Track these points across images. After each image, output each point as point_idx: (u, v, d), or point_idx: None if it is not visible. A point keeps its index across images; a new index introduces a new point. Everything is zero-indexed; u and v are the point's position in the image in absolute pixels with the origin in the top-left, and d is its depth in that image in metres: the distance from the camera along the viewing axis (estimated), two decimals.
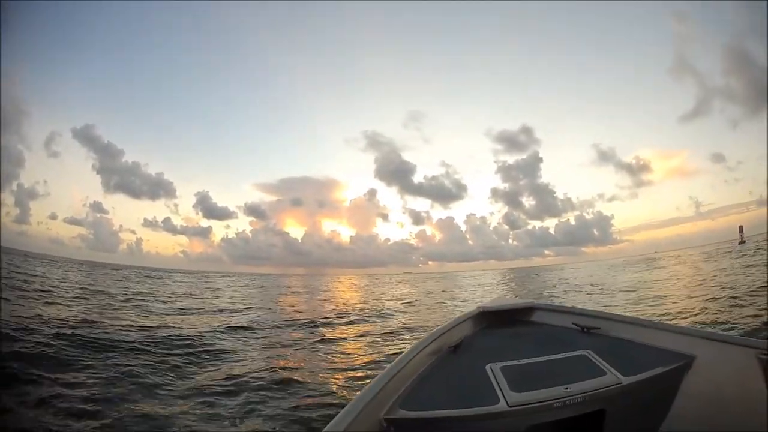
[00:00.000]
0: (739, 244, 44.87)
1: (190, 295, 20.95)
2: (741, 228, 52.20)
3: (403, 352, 2.52)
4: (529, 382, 2.08)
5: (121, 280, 28.78)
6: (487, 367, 2.28)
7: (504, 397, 1.97)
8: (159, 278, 38.75)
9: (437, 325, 3.21)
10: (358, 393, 1.97)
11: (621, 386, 2.05)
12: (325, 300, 21.49)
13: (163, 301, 16.43)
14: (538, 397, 1.95)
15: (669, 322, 3.02)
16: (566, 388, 1.98)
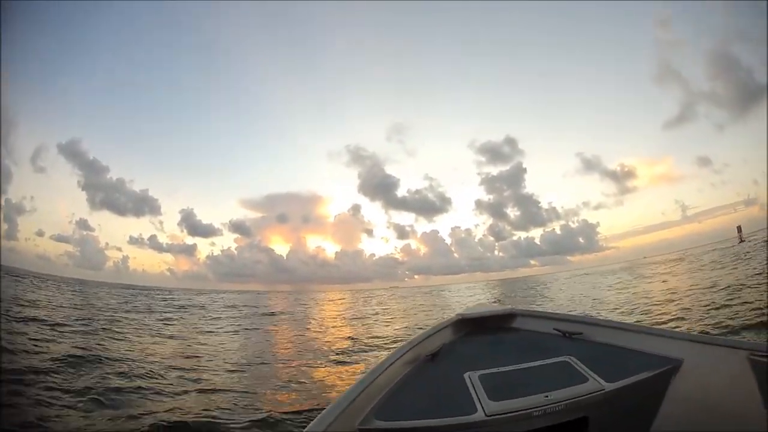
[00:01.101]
0: (739, 243, 45.03)
1: None
2: (739, 228, 53.86)
3: (379, 360, 2.43)
4: (507, 390, 2.01)
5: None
6: (466, 375, 2.22)
7: (482, 407, 1.91)
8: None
9: (415, 333, 3.14)
10: (332, 402, 1.89)
11: (604, 393, 1.98)
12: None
13: None
14: (516, 406, 1.88)
15: (655, 327, 2.94)
16: (546, 396, 1.91)
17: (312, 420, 1.70)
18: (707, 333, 5.89)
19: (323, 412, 1.80)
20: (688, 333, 2.80)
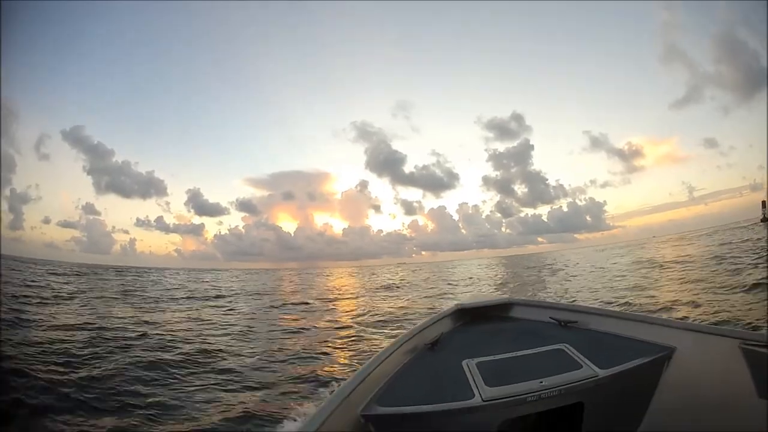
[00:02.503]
0: (762, 221, 42.86)
1: None
2: (764, 203, 45.44)
3: (381, 349, 2.53)
4: (503, 376, 2.10)
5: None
6: (464, 363, 2.32)
7: (479, 392, 2.01)
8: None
9: (415, 323, 3.23)
10: (335, 389, 1.99)
11: (597, 379, 2.06)
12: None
13: None
14: (512, 392, 1.97)
15: (648, 314, 3.00)
16: (541, 382, 2.00)
17: (315, 406, 1.79)
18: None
19: (327, 399, 1.89)
20: (681, 321, 2.87)
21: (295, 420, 3.97)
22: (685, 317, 6.85)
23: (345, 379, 2.17)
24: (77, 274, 32.51)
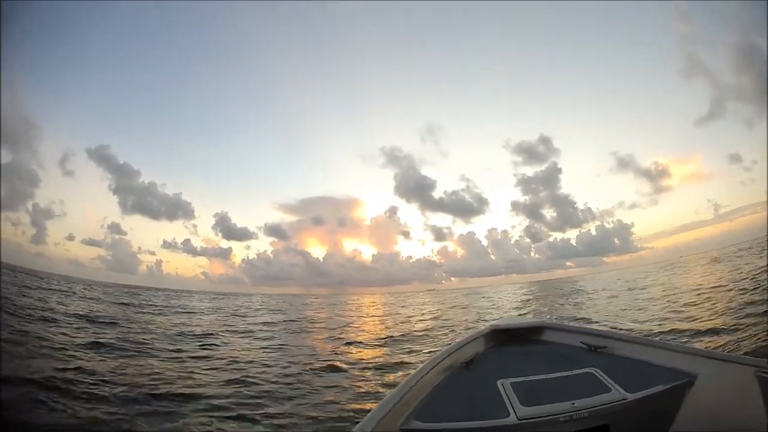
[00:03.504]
0: None
1: None
2: None
3: (419, 366, 2.68)
4: (537, 397, 2.21)
5: None
6: (498, 382, 2.43)
7: (514, 411, 2.12)
8: None
9: (451, 342, 3.38)
10: (376, 405, 2.11)
11: (625, 402, 2.16)
12: None
13: None
14: (546, 412, 2.08)
15: (674, 342, 3.12)
16: (573, 404, 2.11)
17: (359, 420, 1.94)
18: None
19: (369, 413, 2.03)
20: (704, 349, 2.93)
21: None
22: (708, 346, 6.62)
23: (385, 395, 2.27)
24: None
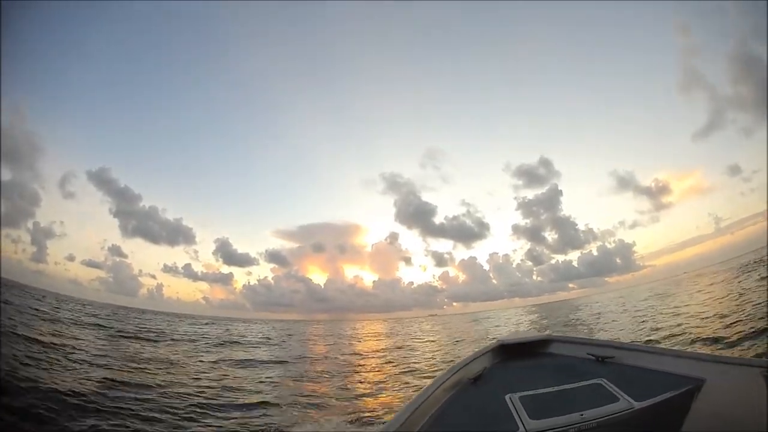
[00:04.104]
0: None
1: None
2: None
3: (426, 384, 2.70)
4: (546, 410, 2.22)
5: None
6: (507, 396, 2.45)
7: (523, 425, 2.13)
8: None
9: (458, 358, 3.43)
10: (385, 424, 2.13)
11: (633, 411, 2.18)
12: None
13: None
14: (554, 424, 2.09)
15: (679, 348, 3.14)
16: (581, 415, 2.13)
17: None
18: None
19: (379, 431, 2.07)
20: (710, 354, 2.95)
21: None
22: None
23: (394, 414, 2.29)
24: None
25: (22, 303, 22.15)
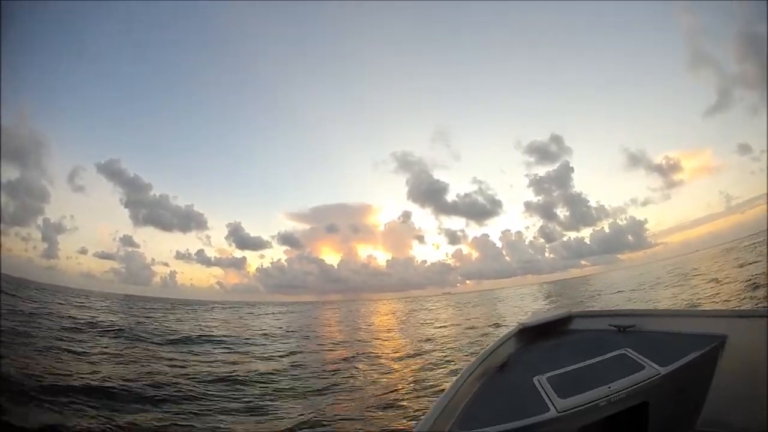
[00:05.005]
0: None
1: None
2: None
3: (455, 377, 2.71)
4: (574, 387, 2.27)
5: None
6: (534, 379, 2.48)
7: (553, 405, 2.16)
8: None
9: (482, 348, 3.42)
10: (420, 419, 2.16)
11: (660, 377, 2.23)
12: None
13: None
14: (584, 400, 2.14)
15: (698, 308, 3.17)
16: (609, 387, 2.18)
17: None
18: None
19: (415, 428, 2.09)
20: (729, 309, 2.96)
21: None
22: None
23: (427, 408, 2.35)
24: None
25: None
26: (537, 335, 3.60)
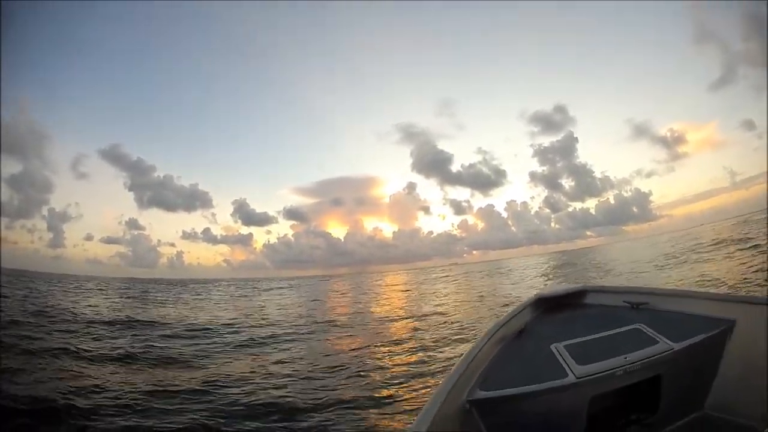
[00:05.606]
0: None
1: None
2: None
3: (474, 340, 2.82)
4: (591, 355, 2.35)
5: None
6: (552, 346, 2.57)
7: (571, 371, 2.26)
8: None
9: (500, 315, 3.55)
10: (443, 379, 2.24)
11: (673, 352, 2.32)
12: None
13: None
14: (602, 368, 2.22)
15: (710, 291, 3.27)
16: (626, 358, 2.26)
17: (429, 394, 2.10)
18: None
19: (437, 388, 2.14)
20: (739, 295, 3.01)
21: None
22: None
23: (450, 369, 2.39)
24: None
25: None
26: (553, 306, 3.71)
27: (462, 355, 2.58)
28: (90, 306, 18.66)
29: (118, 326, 12.53)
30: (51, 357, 7.90)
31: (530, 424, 2.30)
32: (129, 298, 26.69)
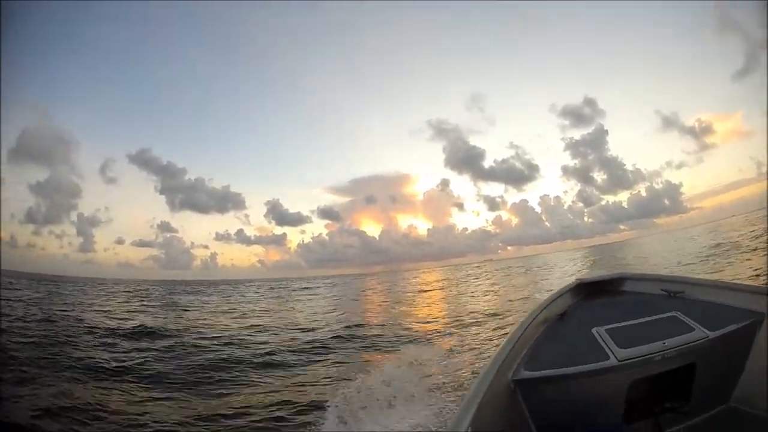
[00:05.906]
0: None
1: None
2: None
3: (518, 322, 2.98)
4: (632, 340, 2.43)
5: None
6: (594, 330, 2.65)
7: (613, 354, 2.34)
8: None
9: (542, 298, 3.73)
10: (489, 359, 2.39)
11: (708, 340, 2.41)
12: None
13: None
14: (642, 352, 2.31)
15: (743, 283, 3.42)
16: (664, 343, 2.34)
17: (474, 374, 2.39)
18: None
19: (483, 368, 2.24)
20: None
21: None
22: None
23: (495, 349, 2.53)
24: None
25: None
26: (593, 291, 3.82)
27: (507, 336, 2.75)
28: (103, 311, 17.51)
29: (119, 335, 11.50)
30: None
31: (571, 405, 2.39)
32: (150, 302, 25.01)
